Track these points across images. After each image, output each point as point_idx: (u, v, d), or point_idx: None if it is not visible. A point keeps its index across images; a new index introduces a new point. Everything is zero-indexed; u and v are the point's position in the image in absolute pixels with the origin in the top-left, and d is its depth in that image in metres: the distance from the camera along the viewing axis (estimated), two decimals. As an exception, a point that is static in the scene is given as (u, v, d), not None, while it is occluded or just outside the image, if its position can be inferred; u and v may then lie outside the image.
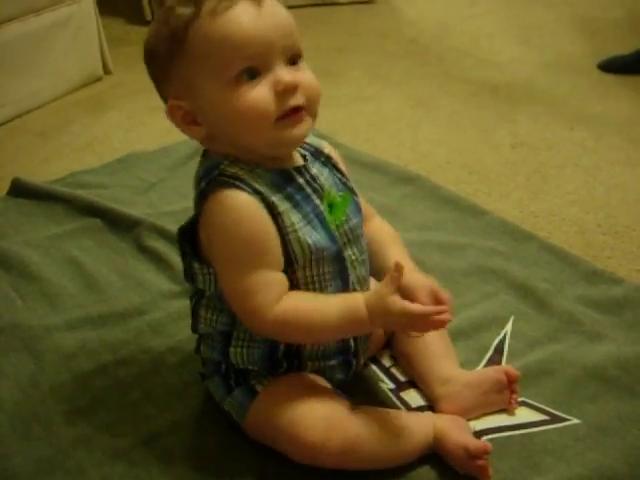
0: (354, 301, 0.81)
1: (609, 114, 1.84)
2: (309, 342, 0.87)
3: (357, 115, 1.90)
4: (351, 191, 0.90)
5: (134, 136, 1.82)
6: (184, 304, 1.04)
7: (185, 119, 0.83)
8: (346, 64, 2.26)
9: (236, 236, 0.80)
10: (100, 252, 1.31)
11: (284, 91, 0.79)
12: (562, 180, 1.54)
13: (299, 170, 0.85)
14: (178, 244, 0.89)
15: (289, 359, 0.88)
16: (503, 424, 0.92)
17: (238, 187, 0.80)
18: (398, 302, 0.79)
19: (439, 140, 1.74)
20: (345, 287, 0.87)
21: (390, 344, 1.03)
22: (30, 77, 1.98)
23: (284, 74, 0.79)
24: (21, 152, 1.79)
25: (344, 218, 0.87)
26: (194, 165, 0.87)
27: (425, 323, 0.80)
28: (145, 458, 0.90)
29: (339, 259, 0.86)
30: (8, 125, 1.93)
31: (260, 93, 0.78)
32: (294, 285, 0.84)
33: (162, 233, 1.32)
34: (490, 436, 0.89)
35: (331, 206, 0.86)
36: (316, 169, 0.87)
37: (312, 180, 0.86)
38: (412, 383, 0.98)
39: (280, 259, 0.82)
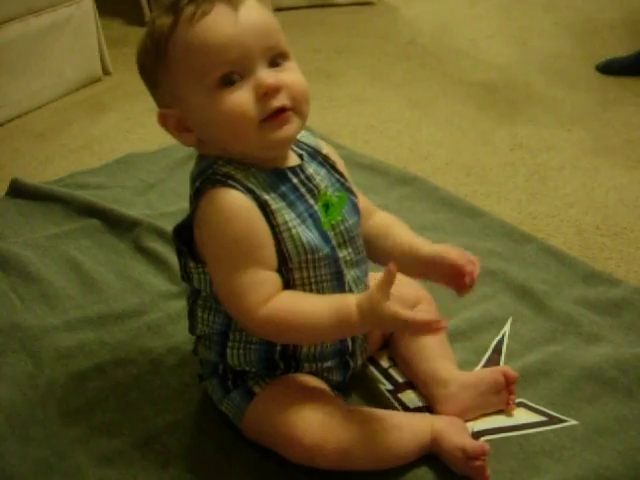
0: (345, 303, 0.81)
1: (607, 116, 1.84)
2: (301, 343, 0.87)
3: (356, 116, 1.90)
4: (349, 191, 0.90)
5: (133, 137, 1.82)
6: (183, 305, 1.04)
7: (177, 127, 0.84)
8: (345, 65, 2.26)
9: (227, 234, 0.80)
10: (99, 253, 1.31)
11: (265, 94, 0.78)
12: (560, 182, 1.54)
13: (294, 170, 0.85)
14: (174, 244, 0.90)
15: (286, 360, 0.88)
16: (501, 425, 0.92)
17: (230, 185, 0.80)
18: (390, 308, 0.78)
19: (438, 141, 1.74)
20: (341, 288, 0.87)
21: (388, 345, 1.03)
22: (29, 78, 1.98)
23: (265, 76, 0.79)
24: (20, 153, 1.79)
25: (340, 218, 0.87)
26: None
27: (419, 327, 0.79)
28: (143, 459, 0.90)
29: (334, 260, 0.86)
30: (7, 126, 1.93)
31: (240, 97, 0.78)
32: (290, 286, 0.84)
33: (161, 234, 1.32)
34: (488, 437, 0.90)
35: (327, 206, 0.86)
36: (312, 169, 0.87)
37: (307, 180, 0.86)
38: (410, 384, 0.98)
39: (272, 258, 0.81)
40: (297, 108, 0.81)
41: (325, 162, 0.91)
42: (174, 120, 0.83)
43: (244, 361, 0.88)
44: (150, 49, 0.82)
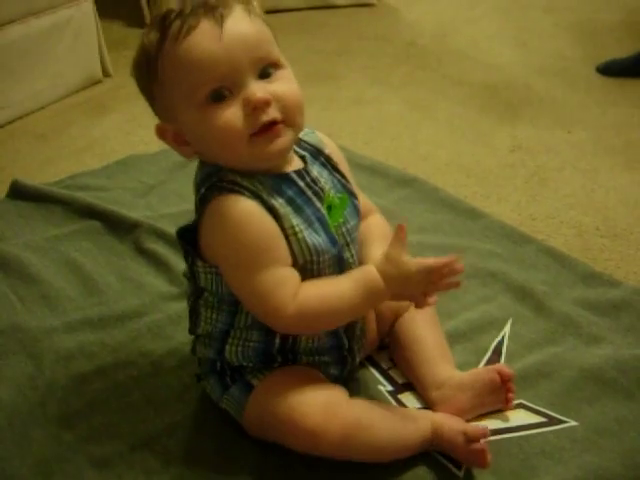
0: (369, 274, 0.82)
1: (607, 117, 1.84)
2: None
3: (356, 118, 1.90)
4: (350, 193, 0.91)
5: (134, 138, 1.83)
6: (183, 306, 1.04)
7: (175, 139, 0.84)
8: (346, 67, 2.26)
9: (239, 239, 0.80)
10: (99, 254, 1.31)
11: (254, 108, 0.78)
12: (560, 183, 1.54)
13: (299, 173, 0.85)
14: (179, 244, 0.89)
15: (284, 354, 0.89)
16: (501, 426, 0.92)
17: (238, 192, 0.80)
18: (413, 260, 0.79)
19: (438, 143, 1.75)
20: None
21: (388, 346, 1.03)
22: (30, 79, 1.98)
23: (254, 91, 0.78)
24: (21, 154, 1.79)
25: (342, 220, 0.87)
26: (193, 168, 0.88)
27: (441, 277, 0.80)
28: (144, 460, 0.90)
29: (340, 261, 0.87)
30: (8, 127, 1.93)
31: (229, 114, 0.78)
32: None
33: (161, 235, 1.32)
34: (488, 438, 0.90)
35: (329, 208, 0.86)
36: (316, 171, 0.87)
37: (313, 183, 0.86)
38: (410, 386, 0.98)
39: (287, 255, 0.82)
40: (289, 120, 0.80)
41: (327, 163, 0.91)
42: (172, 133, 0.84)
43: (242, 357, 0.89)
44: (142, 65, 0.83)
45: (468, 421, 0.91)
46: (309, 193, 0.85)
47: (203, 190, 0.82)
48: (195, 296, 0.90)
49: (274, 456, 0.87)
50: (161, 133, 0.85)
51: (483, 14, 2.71)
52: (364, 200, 0.96)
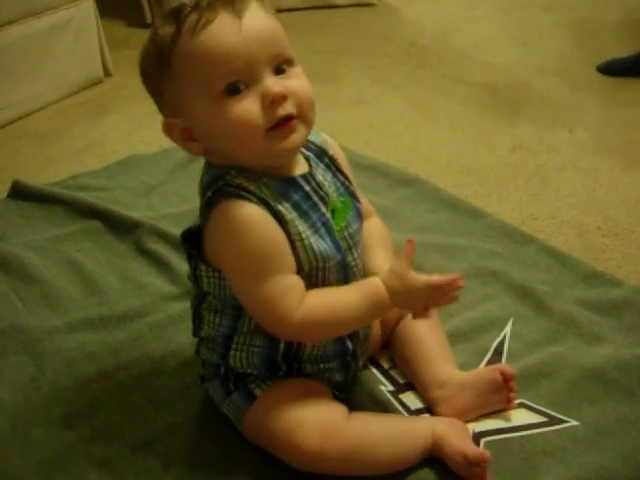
0: (374, 286, 0.82)
1: (608, 117, 1.84)
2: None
3: (357, 117, 1.90)
4: (352, 196, 0.90)
5: (134, 139, 1.83)
6: (185, 306, 1.04)
7: (183, 136, 0.83)
8: (346, 67, 2.26)
9: (245, 246, 0.79)
10: (100, 254, 1.31)
11: (272, 102, 0.78)
12: (561, 182, 1.54)
13: (305, 177, 0.85)
14: (183, 248, 0.89)
15: (288, 362, 0.89)
16: (502, 426, 0.92)
17: (244, 197, 0.79)
18: (419, 277, 0.80)
19: (439, 142, 1.75)
20: None
21: (388, 347, 1.03)
22: (31, 80, 1.98)
23: (271, 85, 0.78)
24: (21, 154, 1.79)
25: (344, 224, 0.87)
26: (195, 168, 0.88)
27: (443, 294, 0.81)
28: (145, 460, 0.90)
29: (344, 266, 0.87)
30: (8, 127, 1.93)
31: (246, 106, 0.78)
32: None
33: (162, 235, 1.32)
34: (489, 438, 0.90)
35: (332, 211, 0.86)
36: (320, 175, 0.87)
37: (318, 188, 0.85)
38: (411, 385, 0.98)
39: (293, 262, 0.81)
40: (303, 115, 0.81)
41: (331, 164, 0.90)
42: (179, 129, 0.82)
43: (246, 364, 0.88)
44: (153, 58, 0.81)
45: (469, 421, 0.91)
46: (315, 198, 0.85)
47: (209, 194, 0.81)
48: (198, 300, 0.90)
49: (275, 457, 0.87)
50: (168, 129, 0.83)
51: (483, 14, 2.71)
52: (364, 203, 0.96)
